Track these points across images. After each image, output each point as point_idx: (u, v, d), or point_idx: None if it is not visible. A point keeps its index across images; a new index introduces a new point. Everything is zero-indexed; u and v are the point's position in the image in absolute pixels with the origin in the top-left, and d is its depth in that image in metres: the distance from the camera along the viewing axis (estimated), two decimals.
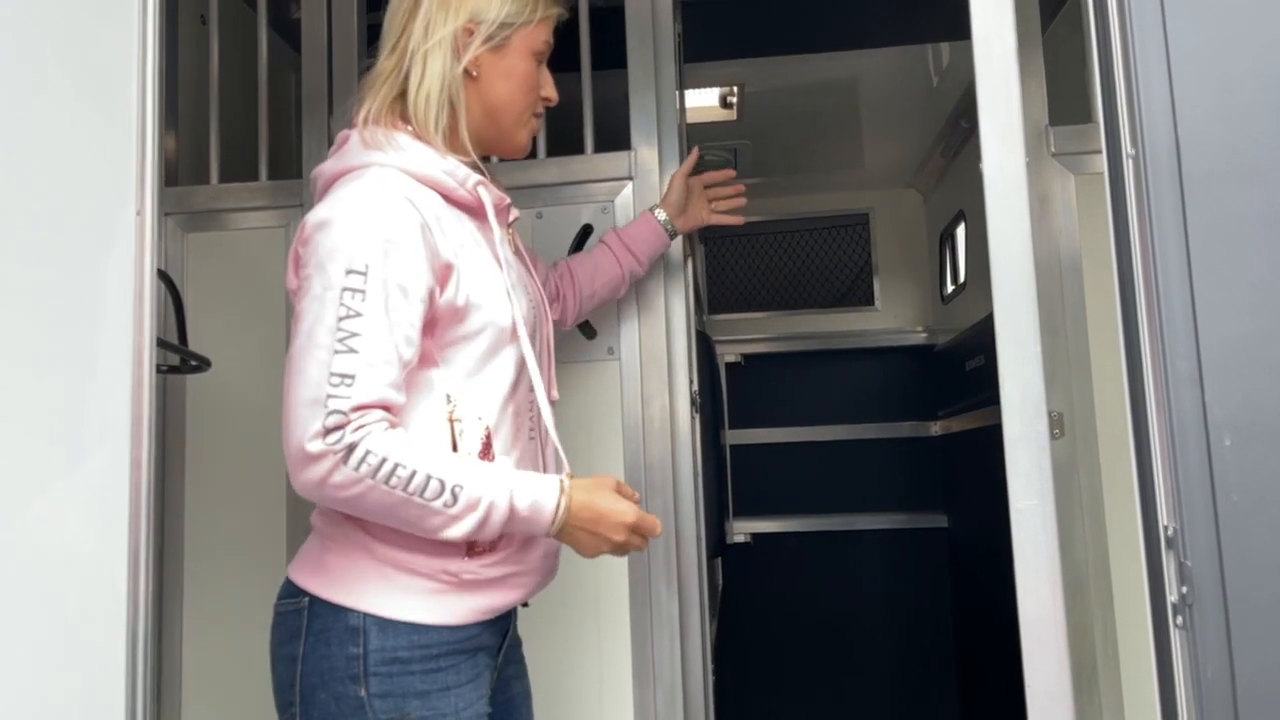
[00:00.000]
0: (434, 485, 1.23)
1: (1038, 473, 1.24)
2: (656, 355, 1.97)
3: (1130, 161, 0.99)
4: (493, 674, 1.41)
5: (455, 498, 1.24)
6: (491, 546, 1.34)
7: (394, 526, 1.28)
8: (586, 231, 1.99)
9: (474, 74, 1.43)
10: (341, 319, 1.22)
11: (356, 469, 1.20)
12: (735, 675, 3.68)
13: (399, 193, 1.31)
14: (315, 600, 1.30)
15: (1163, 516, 1.02)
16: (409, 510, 1.24)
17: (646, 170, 2.02)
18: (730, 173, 1.92)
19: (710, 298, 4.19)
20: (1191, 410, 0.99)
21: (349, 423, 1.20)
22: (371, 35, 2.23)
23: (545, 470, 1.47)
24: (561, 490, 1.30)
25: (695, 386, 2.03)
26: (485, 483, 1.26)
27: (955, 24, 2.62)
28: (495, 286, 1.37)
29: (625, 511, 1.32)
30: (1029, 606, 1.23)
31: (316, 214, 1.30)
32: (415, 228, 1.29)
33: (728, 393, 3.79)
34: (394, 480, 1.21)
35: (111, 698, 1.02)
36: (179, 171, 2.31)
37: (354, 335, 1.22)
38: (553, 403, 1.50)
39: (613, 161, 2.03)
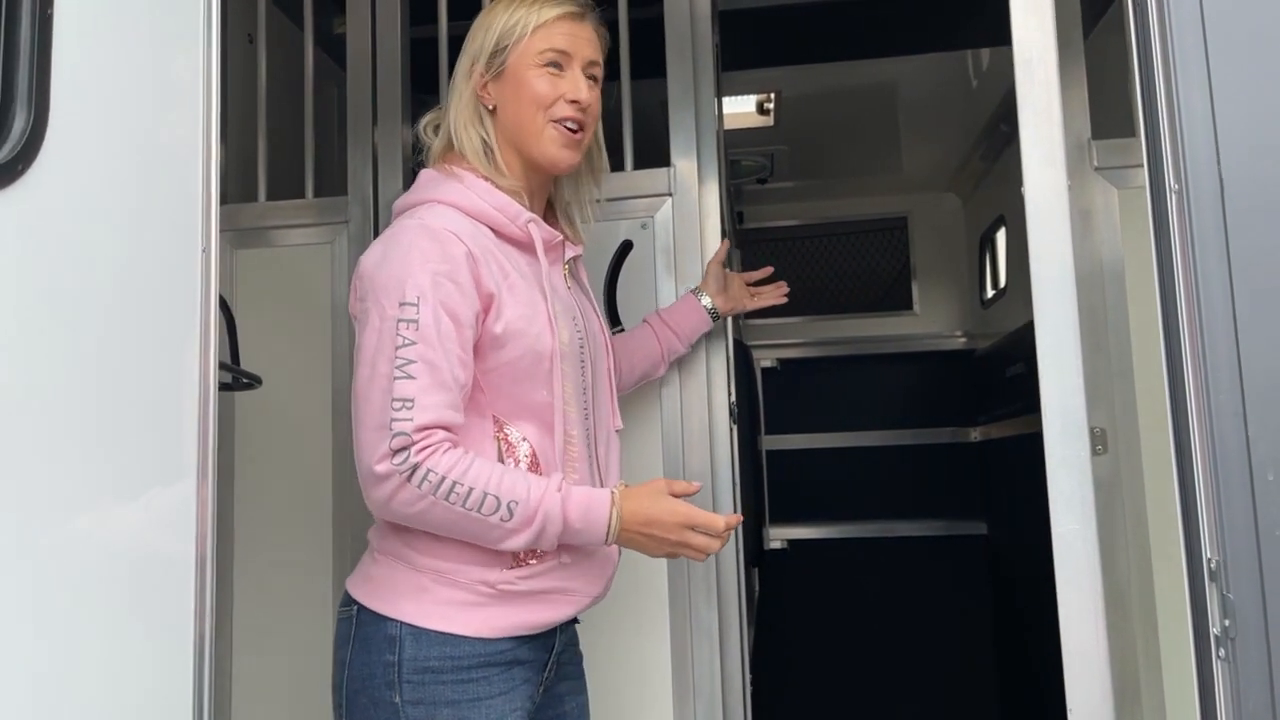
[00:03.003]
0: (490, 501, 1.30)
1: (1079, 497, 1.24)
2: (695, 370, 1.98)
3: (1174, 196, 1.00)
4: (537, 689, 1.44)
5: (511, 513, 1.31)
6: (537, 558, 1.39)
7: (461, 539, 1.35)
8: (626, 248, 2.00)
9: (491, 108, 1.49)
10: (399, 348, 1.31)
11: (419, 487, 1.29)
12: (771, 683, 3.68)
13: (446, 227, 1.38)
14: (362, 609, 1.39)
15: (1206, 549, 1.02)
16: (470, 525, 1.31)
17: (686, 186, 2.02)
18: (769, 270, 1.99)
19: None
20: (1235, 444, 0.99)
21: (413, 444, 1.29)
22: (414, 49, 2.27)
23: None
24: (613, 501, 1.36)
25: (733, 398, 2.04)
26: (540, 499, 1.32)
27: (994, 31, 2.60)
28: (537, 315, 1.42)
29: (675, 510, 1.37)
30: (1071, 629, 1.23)
31: (373, 250, 1.40)
32: (462, 259, 1.36)
33: (764, 398, 3.79)
34: (453, 497, 1.29)
35: (179, 698, 1.11)
36: (226, 189, 2.36)
37: (411, 362, 1.30)
38: (617, 431, 1.57)
39: (652, 178, 2.03)
